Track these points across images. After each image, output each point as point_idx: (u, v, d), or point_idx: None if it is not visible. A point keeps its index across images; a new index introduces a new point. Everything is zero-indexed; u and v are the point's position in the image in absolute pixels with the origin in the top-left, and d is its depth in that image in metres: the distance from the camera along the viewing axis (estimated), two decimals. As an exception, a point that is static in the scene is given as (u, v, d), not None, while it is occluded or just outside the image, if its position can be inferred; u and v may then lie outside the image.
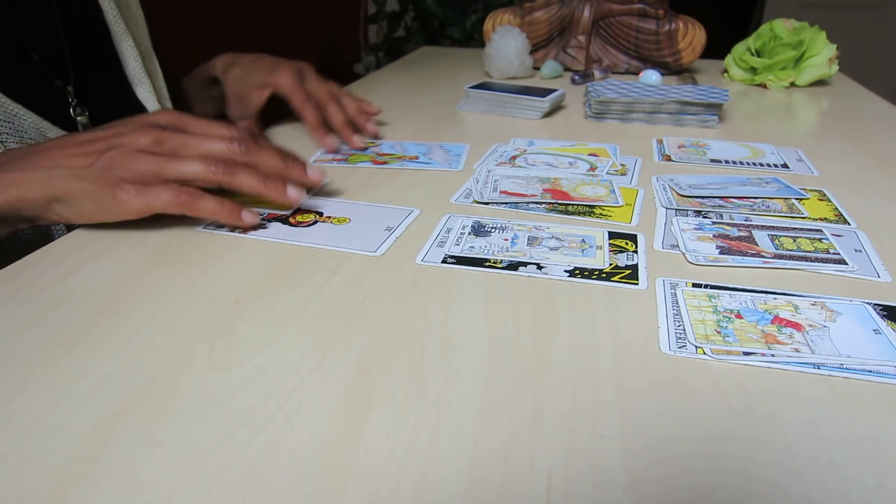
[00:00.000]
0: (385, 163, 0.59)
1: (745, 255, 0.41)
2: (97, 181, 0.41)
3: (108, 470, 0.24)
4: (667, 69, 0.99)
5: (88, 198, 0.41)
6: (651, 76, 0.90)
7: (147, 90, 0.64)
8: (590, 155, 0.62)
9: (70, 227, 0.51)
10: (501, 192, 0.51)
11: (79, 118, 0.56)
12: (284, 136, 0.69)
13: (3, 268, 0.39)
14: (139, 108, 0.64)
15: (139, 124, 0.44)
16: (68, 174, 0.41)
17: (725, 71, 1.02)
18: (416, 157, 0.61)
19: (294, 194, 0.46)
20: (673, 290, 0.37)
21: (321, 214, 0.47)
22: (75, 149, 0.42)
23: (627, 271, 0.39)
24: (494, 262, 0.40)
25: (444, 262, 0.40)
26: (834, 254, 0.41)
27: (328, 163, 0.59)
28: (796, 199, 0.51)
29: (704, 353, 0.31)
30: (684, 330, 0.33)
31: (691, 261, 0.40)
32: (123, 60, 0.63)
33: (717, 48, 1.09)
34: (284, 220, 0.46)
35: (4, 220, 0.42)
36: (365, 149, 0.63)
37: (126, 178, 0.41)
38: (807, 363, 0.31)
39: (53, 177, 0.41)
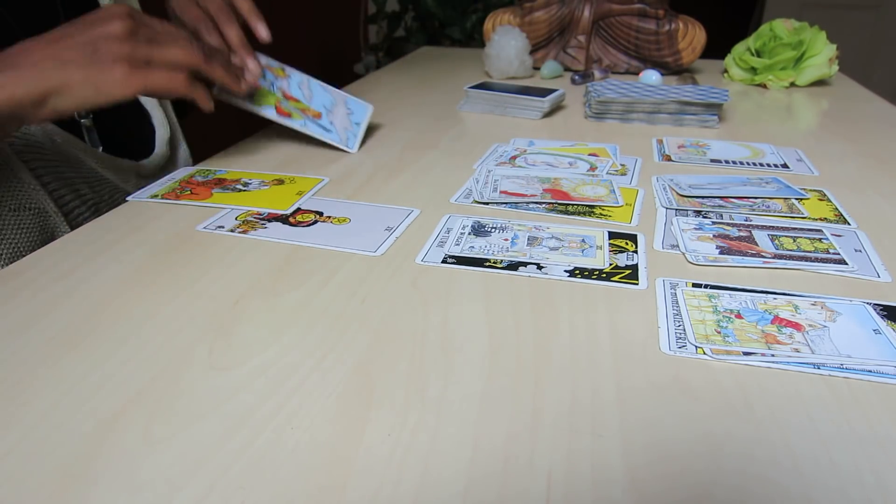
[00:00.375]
0: (289, 114, 0.60)
1: (745, 255, 0.41)
2: (92, 65, 0.42)
3: (108, 470, 0.24)
4: (667, 69, 0.99)
5: (86, 82, 0.42)
6: (651, 76, 0.90)
7: None
8: (590, 155, 0.62)
9: (73, 225, 0.51)
10: (501, 192, 0.51)
11: (83, 121, 0.56)
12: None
13: (7, 265, 0.39)
14: (140, 111, 0.64)
15: (109, 14, 0.44)
16: (59, 65, 0.41)
17: (725, 71, 1.02)
18: (319, 115, 0.61)
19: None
20: (673, 290, 0.37)
21: (321, 214, 0.48)
22: (56, 44, 0.42)
23: (627, 271, 0.39)
24: (494, 262, 0.40)
25: (444, 262, 0.40)
26: (834, 254, 0.41)
27: (230, 101, 0.58)
28: (796, 199, 0.51)
29: (704, 353, 0.31)
30: (684, 330, 0.33)
31: (691, 261, 0.40)
32: None
33: (717, 48, 1.09)
34: (284, 220, 0.46)
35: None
36: (276, 79, 0.62)
37: (118, 60, 0.43)
38: (807, 363, 0.30)
39: (44, 70, 0.41)
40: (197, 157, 0.73)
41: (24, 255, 0.41)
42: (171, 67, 0.46)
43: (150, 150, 0.63)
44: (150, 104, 0.64)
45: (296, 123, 0.60)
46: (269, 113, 0.59)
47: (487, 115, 0.78)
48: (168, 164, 0.65)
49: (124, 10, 0.45)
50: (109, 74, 0.43)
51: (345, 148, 0.61)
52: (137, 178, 0.59)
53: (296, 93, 0.63)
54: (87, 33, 0.43)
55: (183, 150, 0.69)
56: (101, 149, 0.57)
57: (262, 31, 0.60)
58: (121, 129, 0.60)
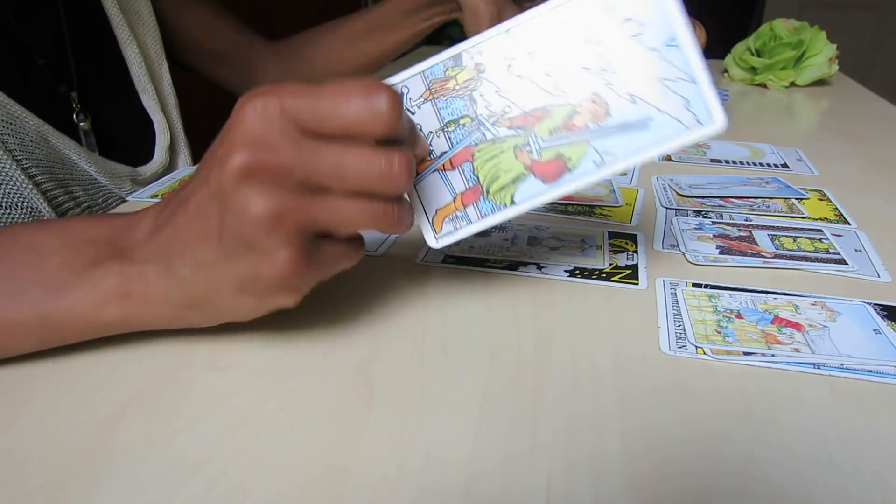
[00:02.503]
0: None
1: (746, 254, 0.41)
2: (238, 251, 0.27)
3: (108, 470, 0.24)
4: (667, 69, 0.98)
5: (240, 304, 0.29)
6: (651, 76, 0.90)
7: (151, 98, 0.63)
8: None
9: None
10: (501, 191, 0.51)
11: (81, 124, 0.56)
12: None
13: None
14: (142, 116, 0.63)
15: (228, 169, 0.26)
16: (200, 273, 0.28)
17: (725, 71, 1.02)
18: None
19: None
20: (673, 290, 0.37)
21: (321, 214, 0.47)
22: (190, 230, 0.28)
23: (627, 271, 0.39)
24: (494, 262, 0.40)
25: (444, 262, 0.40)
26: (834, 254, 0.41)
27: None
28: (796, 198, 0.51)
29: (704, 353, 0.31)
30: (684, 330, 0.33)
31: (691, 261, 0.40)
32: (129, 66, 0.63)
33: (717, 48, 1.09)
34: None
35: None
36: None
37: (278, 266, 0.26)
38: (807, 363, 0.30)
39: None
40: (197, 157, 0.72)
41: None
42: (348, 231, 0.29)
43: (150, 156, 0.62)
44: (152, 109, 0.64)
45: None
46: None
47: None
48: (167, 173, 0.64)
49: (247, 144, 0.26)
50: (270, 256, 0.26)
51: None
52: (132, 184, 0.58)
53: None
54: (221, 204, 0.26)
55: (184, 159, 0.67)
56: (97, 153, 0.56)
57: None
58: (120, 134, 0.60)
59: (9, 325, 0.29)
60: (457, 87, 0.31)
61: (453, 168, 0.31)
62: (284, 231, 0.26)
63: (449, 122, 0.31)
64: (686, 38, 0.28)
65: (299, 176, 0.26)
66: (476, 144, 0.31)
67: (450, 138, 0.31)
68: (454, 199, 0.32)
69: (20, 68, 0.53)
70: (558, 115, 0.30)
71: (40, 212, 0.49)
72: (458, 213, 0.32)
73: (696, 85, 0.28)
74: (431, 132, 0.31)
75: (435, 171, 0.32)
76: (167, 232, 0.29)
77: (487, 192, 0.31)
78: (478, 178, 0.31)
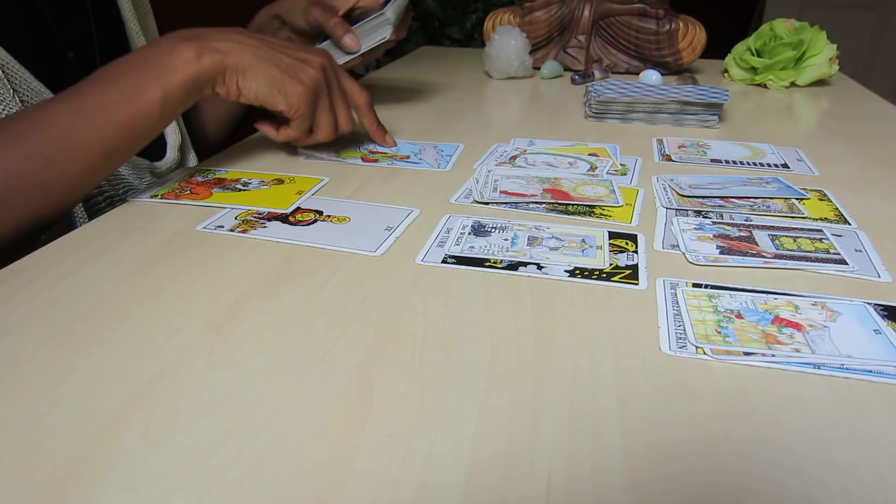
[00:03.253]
0: (375, 160, 0.59)
1: (746, 255, 0.41)
2: (287, 73, 0.52)
3: (108, 470, 0.24)
4: (667, 69, 0.98)
5: (275, 81, 0.51)
6: (651, 76, 0.90)
7: None
8: (590, 155, 0.62)
9: (91, 215, 0.51)
10: (501, 191, 0.51)
11: None
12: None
13: (2, 267, 0.39)
14: None
15: (315, 54, 0.55)
16: (267, 58, 0.51)
17: (725, 71, 1.02)
18: (408, 157, 0.61)
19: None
20: (673, 290, 0.37)
21: (321, 213, 0.47)
22: (270, 44, 0.53)
23: (627, 271, 0.39)
24: (494, 262, 0.40)
25: (444, 262, 0.40)
26: (834, 254, 0.41)
27: (319, 159, 0.59)
28: (796, 199, 0.51)
29: (705, 354, 0.31)
30: (684, 330, 0.33)
31: (691, 261, 0.40)
32: None
33: (717, 48, 1.09)
34: (284, 220, 0.46)
35: (200, 84, 0.49)
36: (360, 144, 0.63)
37: (307, 83, 0.52)
38: (807, 363, 0.30)
39: (254, 53, 0.51)
40: (201, 157, 0.73)
41: (43, 240, 0.42)
42: (334, 117, 0.56)
43: (162, 153, 0.65)
44: None
45: (382, 165, 0.59)
46: (355, 161, 0.59)
47: (483, 117, 0.78)
48: (178, 169, 0.67)
49: (326, 59, 0.55)
50: (294, 88, 0.51)
51: (437, 169, 0.58)
52: (151, 176, 0.61)
53: (382, 148, 0.63)
54: (295, 56, 0.53)
55: (192, 158, 0.70)
56: None
57: (389, 140, 0.64)
58: None
59: (143, 105, 0.46)
60: None
61: None
62: (320, 80, 0.54)
63: None
64: None
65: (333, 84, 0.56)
66: None
67: None
68: None
69: (53, 61, 0.55)
70: None
71: None
72: None
73: None
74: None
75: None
76: (239, 33, 0.53)
77: None
78: None
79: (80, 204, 0.53)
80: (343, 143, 0.64)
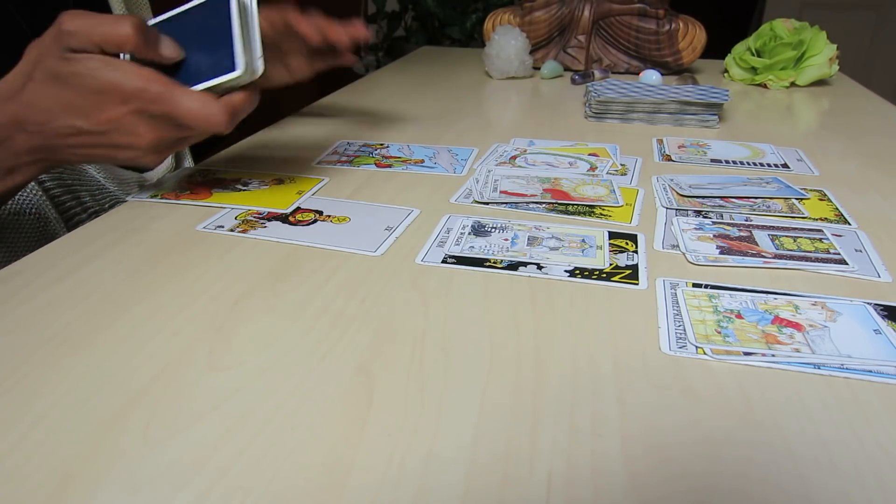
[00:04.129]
0: (389, 166, 0.59)
1: (746, 255, 0.41)
2: (114, 154, 0.43)
3: (108, 470, 0.24)
4: (667, 69, 0.98)
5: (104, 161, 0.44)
6: (651, 76, 0.90)
7: None
8: (590, 155, 0.62)
9: (70, 227, 0.51)
10: (501, 191, 0.51)
11: None
12: (297, 126, 0.69)
13: (3, 267, 0.39)
14: None
15: (118, 113, 0.41)
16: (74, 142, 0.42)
17: (725, 71, 1.02)
18: (422, 161, 0.60)
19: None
20: (673, 290, 0.37)
21: (321, 213, 0.47)
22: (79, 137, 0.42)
23: (627, 271, 0.39)
24: (494, 262, 0.40)
25: (444, 262, 0.40)
26: (834, 254, 0.41)
27: (332, 164, 0.59)
28: (796, 199, 0.51)
29: (705, 354, 0.31)
30: (684, 330, 0.33)
31: (691, 261, 0.40)
32: None
33: (717, 48, 1.09)
34: (284, 220, 0.46)
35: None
36: (374, 150, 0.63)
37: (141, 158, 0.43)
38: (807, 363, 0.30)
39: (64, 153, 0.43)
40: (196, 157, 0.73)
41: (23, 256, 0.41)
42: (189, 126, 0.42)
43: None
44: None
45: (397, 170, 0.58)
46: (368, 168, 0.58)
47: (486, 116, 0.78)
48: (176, 170, 0.65)
49: (140, 107, 0.40)
50: (147, 164, 0.44)
51: (452, 174, 0.57)
52: (140, 190, 0.59)
53: (394, 153, 0.62)
54: (120, 146, 0.42)
55: (189, 163, 0.68)
56: None
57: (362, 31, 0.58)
58: None
59: None
60: None
61: None
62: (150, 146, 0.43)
63: None
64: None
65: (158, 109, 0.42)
66: None
67: None
68: None
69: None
70: None
71: (47, 217, 0.49)
72: None
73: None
74: None
75: None
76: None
77: None
78: None
79: (63, 221, 0.51)
80: (355, 150, 0.64)
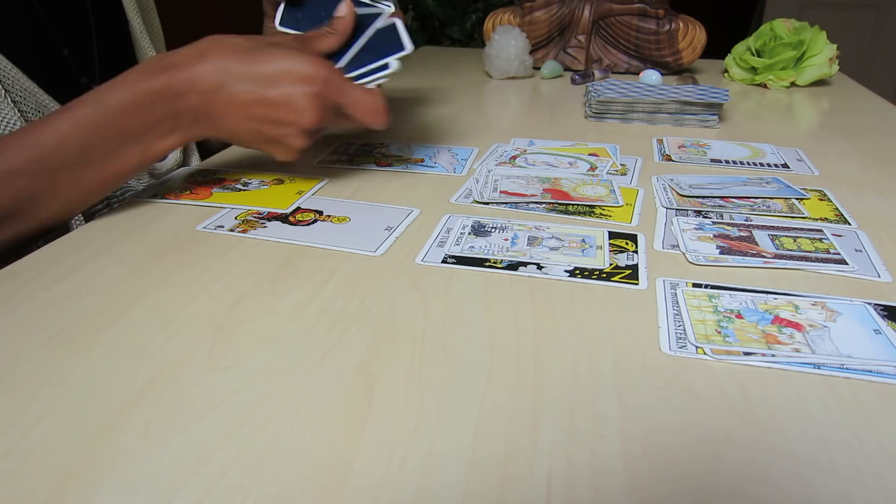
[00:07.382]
0: (389, 164, 0.59)
1: (746, 255, 0.41)
2: (268, 147, 0.48)
3: (108, 470, 0.24)
4: (667, 69, 0.98)
5: (256, 147, 0.49)
6: (651, 76, 0.90)
7: None
8: (590, 155, 0.62)
9: (87, 217, 0.51)
10: (501, 191, 0.51)
11: None
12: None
13: (3, 267, 0.39)
14: None
15: (304, 101, 0.45)
16: (241, 134, 0.47)
17: (726, 71, 1.02)
18: (422, 161, 0.60)
19: None
20: (673, 290, 0.37)
21: (321, 213, 0.47)
22: (249, 114, 0.46)
23: (627, 271, 0.39)
24: (494, 262, 0.40)
25: (444, 262, 0.40)
26: (834, 254, 0.41)
27: (332, 164, 0.59)
28: (796, 199, 0.51)
29: (705, 354, 0.31)
30: (684, 330, 0.33)
31: (691, 261, 0.40)
32: (143, 58, 0.64)
33: (717, 48, 1.09)
34: (284, 219, 0.46)
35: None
36: (374, 149, 0.63)
37: (292, 153, 0.48)
38: (807, 363, 0.30)
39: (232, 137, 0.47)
40: (204, 156, 0.73)
41: (39, 244, 0.41)
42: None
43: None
44: None
45: (397, 168, 0.58)
46: (369, 167, 0.58)
47: (486, 116, 0.78)
48: (179, 169, 0.66)
49: (319, 91, 0.45)
50: (278, 155, 0.48)
51: (452, 174, 0.57)
52: (150, 178, 0.60)
53: (395, 152, 0.62)
54: (280, 123, 0.46)
55: (195, 160, 0.69)
56: None
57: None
58: None
59: (121, 170, 0.45)
60: None
61: None
62: (306, 144, 0.48)
63: None
64: None
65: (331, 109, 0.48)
66: None
67: None
68: None
69: (46, 58, 0.54)
70: None
71: None
72: None
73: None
74: None
75: None
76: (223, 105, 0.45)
77: None
78: None
79: None
80: (355, 149, 0.64)
